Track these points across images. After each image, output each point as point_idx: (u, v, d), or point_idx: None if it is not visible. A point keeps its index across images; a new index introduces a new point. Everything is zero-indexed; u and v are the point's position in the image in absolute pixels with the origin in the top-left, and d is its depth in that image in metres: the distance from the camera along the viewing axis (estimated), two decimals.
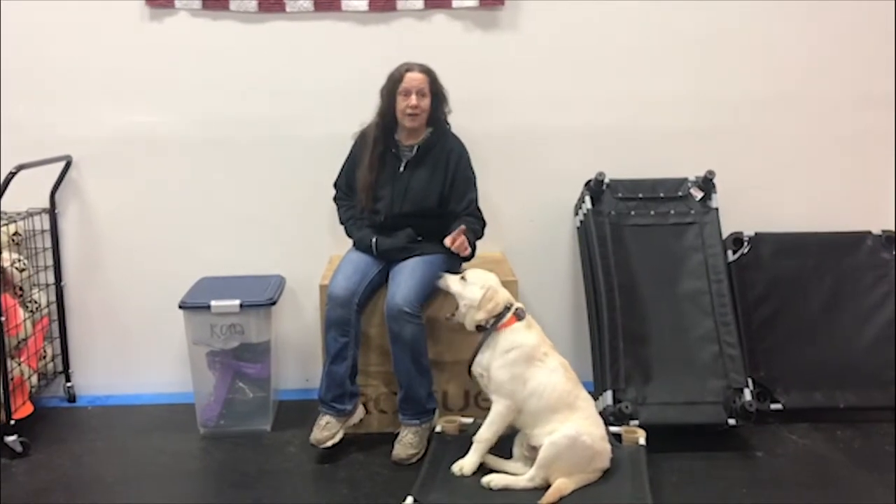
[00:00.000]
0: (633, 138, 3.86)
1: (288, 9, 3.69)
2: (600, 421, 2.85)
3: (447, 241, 3.15)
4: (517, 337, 2.86)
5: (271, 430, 3.53)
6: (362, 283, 3.27)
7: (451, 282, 3.03)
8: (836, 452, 3.28)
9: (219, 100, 3.76)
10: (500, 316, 2.90)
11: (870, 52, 3.85)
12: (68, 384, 3.86)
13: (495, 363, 2.83)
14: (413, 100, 3.25)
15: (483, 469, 2.88)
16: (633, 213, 3.71)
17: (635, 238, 3.68)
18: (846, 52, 3.85)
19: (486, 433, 2.89)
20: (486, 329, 2.91)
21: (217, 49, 3.74)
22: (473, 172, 3.41)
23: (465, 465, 2.89)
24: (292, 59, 3.76)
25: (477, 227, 3.36)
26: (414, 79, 3.26)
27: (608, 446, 2.80)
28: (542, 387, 2.79)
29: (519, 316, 2.89)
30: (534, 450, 2.79)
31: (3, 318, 3.25)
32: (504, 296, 2.94)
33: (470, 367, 2.97)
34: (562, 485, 2.71)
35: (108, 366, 3.92)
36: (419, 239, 3.37)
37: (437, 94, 3.33)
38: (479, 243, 3.38)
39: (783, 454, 3.27)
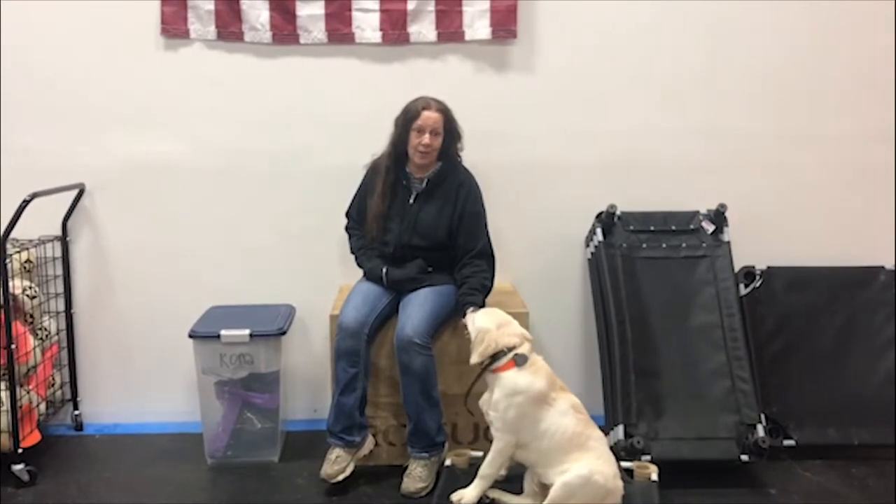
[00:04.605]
0: (645, 171, 3.86)
1: (302, 41, 3.72)
2: (613, 459, 2.81)
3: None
4: (521, 382, 2.77)
5: (279, 461, 3.51)
6: (372, 314, 3.27)
7: (469, 320, 2.99)
8: (850, 490, 3.25)
9: (232, 130, 3.79)
10: (495, 358, 2.82)
11: (880, 85, 3.85)
12: (76, 412, 3.85)
13: (502, 404, 2.78)
14: (426, 139, 3.26)
15: None
16: (644, 245, 3.70)
17: (647, 271, 3.66)
18: (857, 85, 3.85)
19: (488, 469, 2.85)
20: (483, 368, 2.86)
21: (231, 79, 3.76)
22: (483, 207, 3.40)
23: (466, 495, 2.85)
24: (305, 90, 3.78)
25: (486, 280, 3.33)
26: (430, 118, 3.26)
27: (620, 484, 2.76)
28: (551, 429, 2.74)
29: (517, 363, 2.79)
30: (545, 487, 2.75)
31: (13, 346, 3.25)
32: (505, 339, 2.83)
33: (466, 397, 2.96)
34: None
35: (116, 394, 3.91)
36: (430, 270, 3.37)
37: (450, 132, 3.34)
38: None
39: (796, 491, 3.23)
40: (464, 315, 3.11)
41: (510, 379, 2.78)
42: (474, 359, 2.84)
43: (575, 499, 2.67)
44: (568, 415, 2.77)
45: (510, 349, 2.81)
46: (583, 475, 2.66)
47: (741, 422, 3.35)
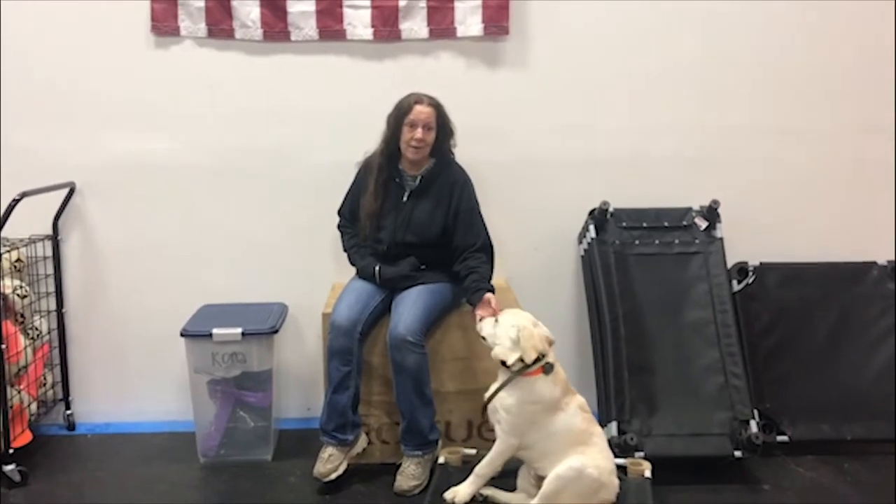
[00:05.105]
0: (638, 168, 3.86)
1: (293, 38, 3.71)
2: (611, 455, 2.81)
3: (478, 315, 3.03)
4: (543, 391, 2.74)
5: (272, 460, 3.50)
6: (365, 312, 3.25)
7: (486, 325, 2.91)
8: (843, 485, 3.25)
9: (223, 127, 3.77)
10: (530, 363, 2.76)
11: (874, 82, 3.86)
12: (68, 412, 3.84)
13: (515, 408, 2.74)
14: (419, 133, 3.25)
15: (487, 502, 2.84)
16: (637, 242, 3.70)
17: (639, 267, 3.66)
18: (850, 81, 3.86)
19: (487, 469, 2.82)
20: (511, 371, 2.77)
21: (222, 77, 3.74)
22: (477, 202, 3.39)
23: (459, 493, 2.82)
24: (296, 88, 3.77)
25: (490, 272, 3.31)
26: (422, 112, 3.25)
27: (616, 480, 2.75)
28: (560, 431, 2.73)
29: (546, 371, 2.75)
30: (541, 479, 2.74)
31: (3, 346, 3.23)
32: (539, 342, 2.77)
33: (486, 404, 2.85)
34: None
35: (108, 393, 3.89)
36: (423, 267, 3.36)
37: (443, 128, 3.33)
38: None
39: (790, 487, 3.24)
40: (472, 302, 3.11)
41: (532, 386, 2.74)
42: (512, 360, 2.73)
43: (567, 492, 2.66)
44: (577, 416, 2.76)
45: (543, 356, 2.78)
46: (575, 468, 2.65)
47: (734, 418, 3.35)
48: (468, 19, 3.71)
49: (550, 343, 2.82)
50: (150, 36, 3.70)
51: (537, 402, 2.74)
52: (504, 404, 2.78)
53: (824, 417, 3.53)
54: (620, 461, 3.01)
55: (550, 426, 2.74)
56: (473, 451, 3.09)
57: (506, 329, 2.80)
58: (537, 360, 2.75)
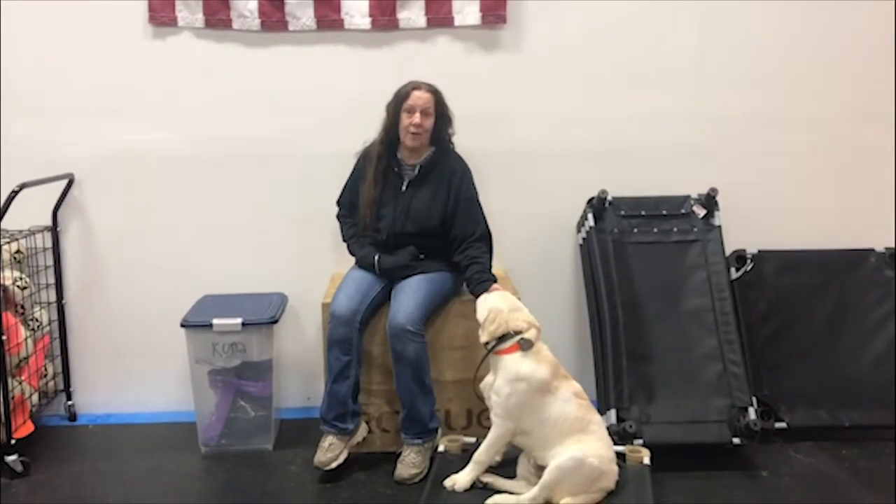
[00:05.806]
0: (636, 156, 3.86)
1: (291, 27, 3.70)
2: (611, 443, 2.82)
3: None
4: (524, 368, 2.76)
5: (273, 449, 3.52)
6: (364, 302, 3.26)
7: (486, 296, 3.01)
8: (841, 471, 3.27)
9: (222, 118, 3.77)
10: (501, 339, 2.82)
11: (871, 69, 3.86)
12: (69, 403, 3.85)
13: (505, 389, 2.77)
14: (417, 118, 3.25)
15: (487, 491, 2.85)
16: (635, 230, 3.71)
17: (638, 256, 3.67)
18: (847, 69, 3.85)
19: (485, 455, 2.84)
20: (487, 350, 2.86)
21: (220, 67, 3.74)
22: (476, 191, 3.39)
23: (459, 480, 2.85)
24: (295, 77, 3.76)
25: (489, 261, 3.32)
26: (420, 98, 3.25)
27: (616, 468, 2.77)
28: (553, 417, 2.74)
29: (522, 347, 2.79)
30: (541, 469, 2.75)
31: (4, 337, 3.24)
32: (514, 323, 2.82)
33: (474, 379, 2.93)
34: None
35: (109, 384, 3.90)
36: (422, 257, 3.37)
37: (441, 115, 3.33)
38: None
39: (788, 473, 3.25)
40: (477, 294, 3.14)
41: (513, 364, 2.78)
42: (484, 337, 2.84)
43: (567, 481, 2.67)
44: (570, 402, 2.77)
45: (517, 332, 2.81)
46: (577, 458, 2.66)
47: (733, 405, 3.36)
48: (466, 8, 3.70)
49: (534, 326, 2.85)
50: (148, 27, 3.69)
51: (522, 380, 2.75)
52: (494, 387, 2.81)
53: (822, 404, 3.55)
54: (619, 449, 3.02)
55: (543, 411, 2.75)
56: (473, 440, 3.09)
57: (481, 310, 2.91)
58: (510, 336, 2.80)
